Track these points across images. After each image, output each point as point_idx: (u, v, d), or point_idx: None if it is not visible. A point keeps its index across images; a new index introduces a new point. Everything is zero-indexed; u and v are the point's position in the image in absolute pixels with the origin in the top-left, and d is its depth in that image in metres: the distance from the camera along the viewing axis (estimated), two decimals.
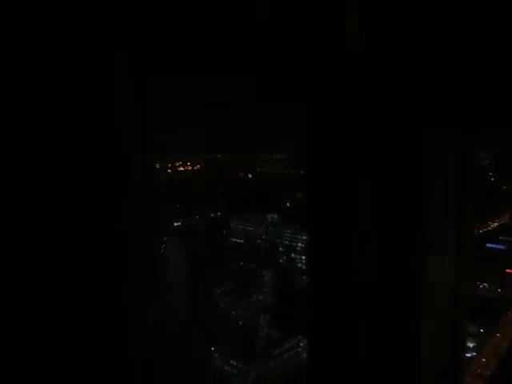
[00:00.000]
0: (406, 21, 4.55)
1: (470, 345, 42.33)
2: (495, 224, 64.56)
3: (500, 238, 59.54)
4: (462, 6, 4.50)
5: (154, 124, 4.74)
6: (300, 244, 59.43)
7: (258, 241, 62.78)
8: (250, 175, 77.13)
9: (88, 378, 3.95)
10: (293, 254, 60.05)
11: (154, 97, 5.00)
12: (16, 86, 3.66)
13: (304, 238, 57.36)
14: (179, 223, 63.63)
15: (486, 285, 51.18)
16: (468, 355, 40.57)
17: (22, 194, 3.71)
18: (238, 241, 64.73)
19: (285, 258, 60.40)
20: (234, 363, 46.87)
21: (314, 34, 4.84)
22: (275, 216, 63.32)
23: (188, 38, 4.68)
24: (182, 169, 74.03)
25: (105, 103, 4.01)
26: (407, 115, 4.75)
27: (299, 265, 58.50)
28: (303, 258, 57.29)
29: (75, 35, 3.80)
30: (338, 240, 5.30)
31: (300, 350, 48.05)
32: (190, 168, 74.94)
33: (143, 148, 4.50)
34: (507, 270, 52.57)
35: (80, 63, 3.84)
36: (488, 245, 56.85)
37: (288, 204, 67.87)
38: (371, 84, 4.76)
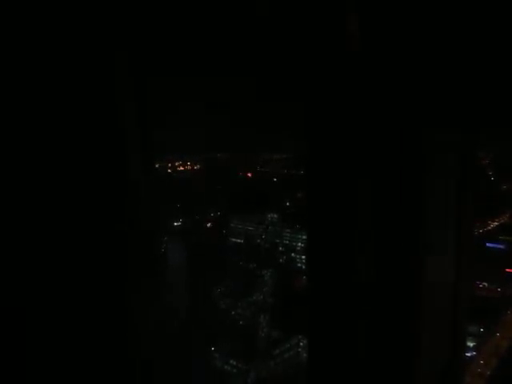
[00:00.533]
0: (406, 21, 4.55)
1: (470, 344, 42.34)
2: (495, 224, 64.59)
3: (500, 237, 59.58)
4: (461, 7, 4.50)
5: (154, 124, 4.75)
6: (300, 244, 59.42)
7: (258, 240, 62.78)
8: (249, 175, 77.13)
9: (88, 377, 3.95)
10: (293, 254, 60.08)
11: (155, 97, 5.00)
12: (16, 86, 3.66)
13: (304, 237, 57.31)
14: (179, 223, 63.65)
15: (485, 284, 51.17)
16: (468, 355, 40.58)
17: (22, 194, 3.72)
18: (238, 240, 64.75)
19: (285, 257, 60.42)
20: (234, 363, 46.88)
21: (314, 34, 4.84)
22: (275, 216, 63.30)
23: (188, 38, 4.69)
24: (181, 168, 74.06)
25: (105, 103, 4.02)
26: (407, 115, 4.75)
27: (299, 264, 58.51)
28: (303, 257, 57.26)
29: (75, 35, 3.80)
30: (338, 240, 5.30)
31: (300, 349, 48.01)
32: (189, 168, 74.99)
33: (143, 148, 4.50)
34: (507, 270, 52.60)
35: (80, 63, 3.84)
36: (488, 244, 56.89)
37: (288, 204, 67.87)
38: (371, 84, 4.76)
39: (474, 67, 4.82)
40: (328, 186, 5.26)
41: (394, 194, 4.98)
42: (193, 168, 75.33)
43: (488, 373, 42.90)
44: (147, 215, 4.55)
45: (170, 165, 71.51)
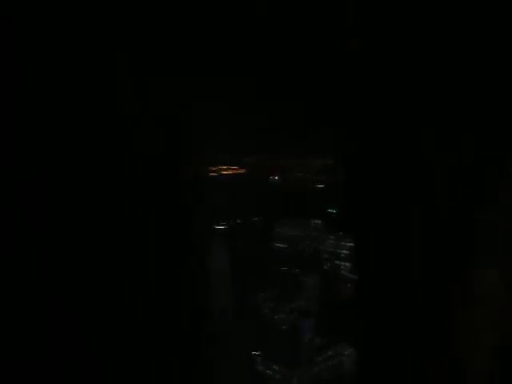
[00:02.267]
0: (406, 20, 4.43)
1: None
2: None
3: None
4: (462, 6, 4.33)
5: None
6: (344, 251, 58.79)
7: (302, 246, 62.47)
8: (292, 180, 76.63)
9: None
10: (337, 261, 59.50)
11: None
12: (17, 85, 3.76)
13: (347, 244, 56.78)
14: (221, 226, 63.91)
15: None
16: None
17: (22, 196, 3.81)
18: (282, 245, 64.56)
19: (329, 264, 59.92)
20: (277, 368, 46.75)
21: (314, 35, 4.77)
22: (319, 222, 62.83)
23: (188, 39, 4.70)
24: (225, 172, 74.31)
25: (105, 103, 4.07)
26: (407, 115, 4.62)
27: (343, 272, 57.92)
28: (347, 264, 56.65)
29: (76, 35, 3.87)
30: (389, 244, 5.16)
31: (344, 358, 47.40)
32: (233, 172, 75.13)
33: (148, 149, 4.54)
34: None
35: (80, 63, 3.91)
36: None
37: (330, 210, 67.13)
38: (371, 84, 4.66)
39: (473, 68, 4.64)
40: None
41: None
42: (236, 172, 75.49)
43: None
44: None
45: (213, 168, 71.95)
